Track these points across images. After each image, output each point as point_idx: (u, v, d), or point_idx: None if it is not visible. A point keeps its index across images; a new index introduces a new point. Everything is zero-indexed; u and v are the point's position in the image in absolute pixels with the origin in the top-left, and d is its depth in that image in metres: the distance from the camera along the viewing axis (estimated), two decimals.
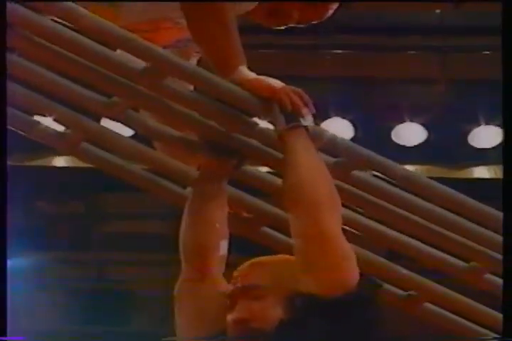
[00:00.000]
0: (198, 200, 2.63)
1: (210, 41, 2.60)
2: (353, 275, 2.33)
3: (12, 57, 2.48)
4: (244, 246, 2.96)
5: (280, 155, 2.57)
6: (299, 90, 2.54)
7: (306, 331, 2.26)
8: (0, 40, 2.34)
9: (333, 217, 2.38)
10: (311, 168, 2.44)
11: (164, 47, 2.65)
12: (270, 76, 2.58)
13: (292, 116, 2.49)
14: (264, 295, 2.35)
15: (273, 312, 2.33)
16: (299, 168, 2.43)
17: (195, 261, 2.55)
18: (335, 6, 2.83)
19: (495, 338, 3.07)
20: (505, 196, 2.58)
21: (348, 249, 2.37)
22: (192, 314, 2.49)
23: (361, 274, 2.34)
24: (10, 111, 2.64)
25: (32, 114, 2.68)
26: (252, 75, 2.56)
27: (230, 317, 2.37)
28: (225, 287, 2.48)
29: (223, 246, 2.59)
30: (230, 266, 2.55)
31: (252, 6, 2.74)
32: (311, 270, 2.31)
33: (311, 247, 2.33)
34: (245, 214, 2.86)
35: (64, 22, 2.41)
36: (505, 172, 2.68)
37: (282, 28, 2.86)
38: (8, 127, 2.70)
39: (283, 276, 2.36)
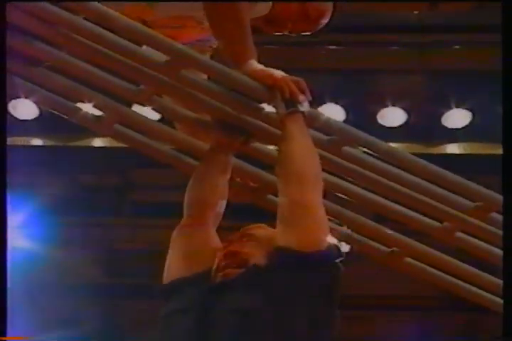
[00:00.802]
0: (205, 166, 2.63)
1: (227, 38, 2.57)
2: (324, 239, 2.31)
3: (60, 54, 2.48)
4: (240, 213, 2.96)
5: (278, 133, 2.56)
6: (299, 79, 2.52)
7: (276, 278, 2.25)
8: (0, 40, 2.26)
9: (316, 189, 2.37)
10: (303, 148, 2.43)
11: (184, 44, 2.63)
12: (276, 68, 2.56)
13: (291, 103, 2.47)
14: (255, 243, 2.35)
15: (258, 253, 2.32)
16: (292, 146, 2.43)
17: (194, 212, 2.54)
18: (326, 20, 2.81)
19: (495, 338, 3.00)
20: (505, 194, 2.52)
21: (325, 218, 2.36)
22: (182, 254, 2.45)
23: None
24: (55, 98, 2.65)
25: (75, 101, 2.67)
26: (260, 67, 2.54)
27: (223, 252, 2.37)
28: (216, 240, 2.48)
29: (220, 205, 2.57)
30: (226, 229, 2.55)
31: (265, 10, 2.70)
32: (293, 228, 2.29)
33: (295, 210, 2.32)
34: (252, 184, 2.86)
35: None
36: (504, 170, 2.53)
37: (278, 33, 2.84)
38: (55, 112, 2.72)
39: (274, 235, 2.34)
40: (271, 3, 2.69)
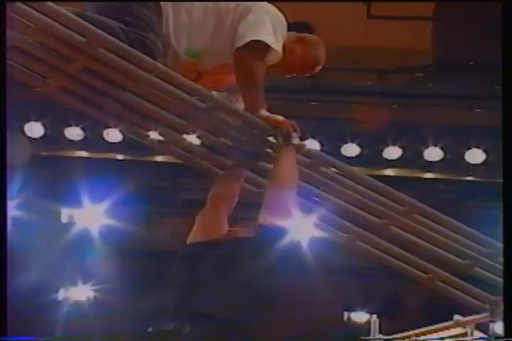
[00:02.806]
0: (226, 175, 2.59)
1: (245, 89, 2.51)
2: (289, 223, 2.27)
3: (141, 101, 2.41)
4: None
5: None
6: (292, 122, 2.50)
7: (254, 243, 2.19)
8: (0, 39, 1.77)
9: (289, 193, 2.33)
10: (289, 167, 2.41)
11: (229, 86, 2.54)
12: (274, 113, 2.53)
13: (287, 137, 2.47)
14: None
15: (245, 232, 2.29)
16: (282, 165, 2.41)
17: (213, 202, 2.47)
18: (320, 67, 2.70)
19: (496, 338, 2.80)
20: (505, 197, 2.03)
21: (292, 211, 2.30)
22: (200, 227, 2.39)
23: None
24: (133, 127, 2.61)
25: (146, 130, 2.61)
26: (267, 114, 2.51)
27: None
28: (224, 223, 2.40)
29: (232, 201, 2.50)
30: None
31: (277, 59, 2.55)
32: (271, 212, 2.26)
33: (274, 204, 2.28)
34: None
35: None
36: (504, 175, 2.08)
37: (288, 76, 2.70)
38: (132, 136, 2.66)
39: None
40: (281, 53, 2.54)
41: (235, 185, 2.54)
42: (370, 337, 4.03)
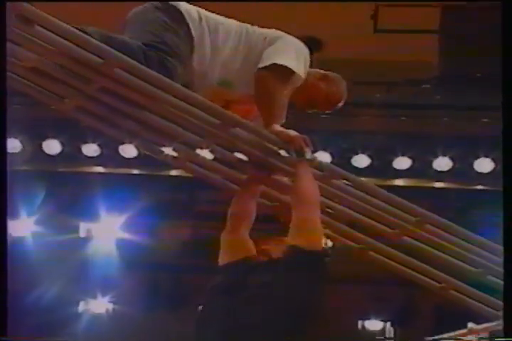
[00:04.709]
0: (242, 191, 2.58)
1: (260, 105, 2.52)
2: (321, 242, 2.30)
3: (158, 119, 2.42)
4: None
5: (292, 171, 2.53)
6: (305, 137, 2.49)
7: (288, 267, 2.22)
8: (0, 40, 1.69)
9: (317, 208, 2.35)
10: (308, 182, 2.41)
11: (247, 119, 2.51)
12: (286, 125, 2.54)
13: (300, 152, 2.46)
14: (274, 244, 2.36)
15: (277, 249, 2.31)
16: (301, 181, 2.41)
17: (232, 224, 2.47)
18: (341, 104, 2.72)
19: (496, 337, 2.71)
20: (505, 198, 2.02)
21: (321, 228, 2.34)
22: (226, 249, 2.42)
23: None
24: (148, 144, 2.62)
25: (161, 146, 2.61)
26: (281, 129, 2.50)
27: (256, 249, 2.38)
28: (247, 242, 2.42)
29: (250, 219, 2.51)
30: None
31: (299, 82, 2.56)
32: (302, 234, 2.26)
33: (305, 222, 2.29)
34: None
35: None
36: (504, 175, 2.07)
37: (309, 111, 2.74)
38: (147, 152, 2.67)
39: (286, 240, 2.31)
40: (303, 76, 2.56)
41: (251, 203, 2.54)
42: None
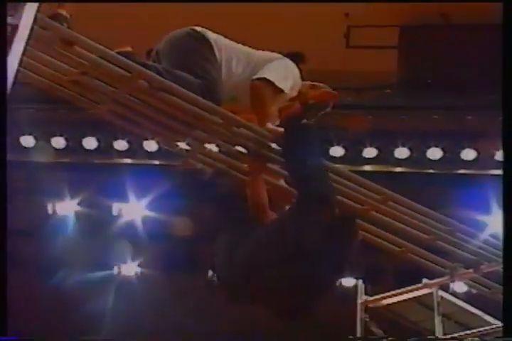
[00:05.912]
0: (252, 182, 2.50)
1: (254, 109, 2.52)
2: None
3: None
4: None
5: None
6: None
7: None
8: (0, 40, 1.38)
9: None
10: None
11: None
12: None
13: None
14: None
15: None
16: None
17: (258, 211, 2.42)
18: (331, 101, 2.72)
19: (496, 338, 2.52)
20: (505, 196, 1.69)
21: None
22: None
23: None
24: (165, 140, 2.62)
25: (175, 141, 2.60)
26: (272, 126, 2.50)
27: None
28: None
29: (264, 202, 2.45)
30: None
31: (283, 100, 2.59)
32: None
33: None
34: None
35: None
36: (504, 172, 1.78)
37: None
38: (165, 147, 2.66)
39: None
40: (286, 90, 2.54)
41: (263, 189, 2.46)
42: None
